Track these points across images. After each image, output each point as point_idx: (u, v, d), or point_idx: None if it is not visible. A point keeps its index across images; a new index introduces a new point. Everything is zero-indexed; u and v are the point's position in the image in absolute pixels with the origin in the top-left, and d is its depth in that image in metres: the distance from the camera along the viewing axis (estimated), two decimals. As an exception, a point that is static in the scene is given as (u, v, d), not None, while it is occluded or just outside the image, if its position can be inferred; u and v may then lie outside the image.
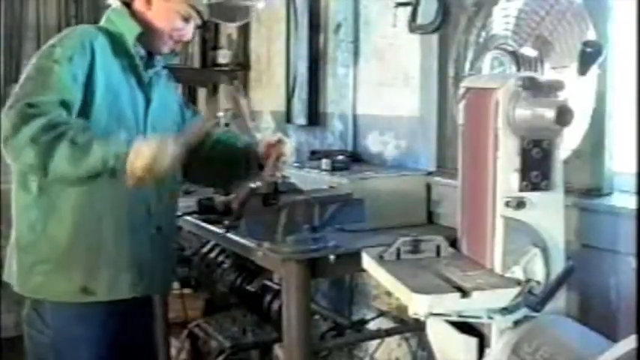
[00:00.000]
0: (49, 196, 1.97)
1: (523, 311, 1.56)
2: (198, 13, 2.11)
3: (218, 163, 2.27)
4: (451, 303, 1.52)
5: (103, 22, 2.12)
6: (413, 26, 2.71)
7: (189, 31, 2.14)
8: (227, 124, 2.13)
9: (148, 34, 2.09)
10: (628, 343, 1.26)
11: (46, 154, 1.78)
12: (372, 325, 2.87)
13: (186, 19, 2.11)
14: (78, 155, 1.79)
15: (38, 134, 1.77)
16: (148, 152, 1.80)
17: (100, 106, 1.96)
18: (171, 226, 2.25)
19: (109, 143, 1.82)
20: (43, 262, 2.00)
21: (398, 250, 1.77)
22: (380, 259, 1.76)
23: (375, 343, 2.92)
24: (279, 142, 2.17)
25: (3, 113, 1.83)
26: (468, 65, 2.34)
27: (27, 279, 2.03)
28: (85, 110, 1.94)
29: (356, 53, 3.15)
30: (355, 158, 3.00)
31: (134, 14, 2.10)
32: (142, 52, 2.10)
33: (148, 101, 2.11)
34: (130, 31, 2.06)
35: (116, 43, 2.05)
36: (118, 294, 2.04)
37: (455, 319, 1.59)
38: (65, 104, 1.87)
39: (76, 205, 1.98)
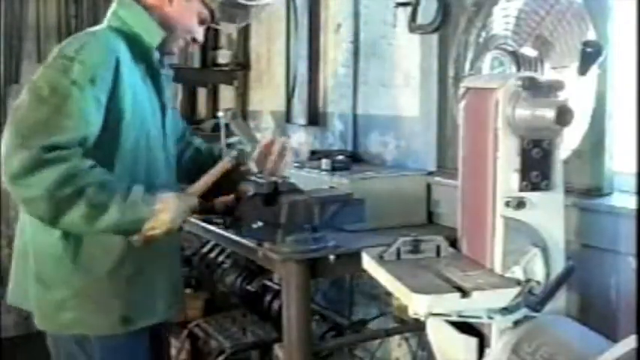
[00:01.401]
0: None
1: (523, 311, 1.56)
2: (213, 17, 2.04)
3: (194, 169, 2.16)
4: (451, 303, 1.51)
5: (111, 20, 1.93)
6: (413, 26, 2.71)
7: (202, 33, 2.06)
8: (227, 125, 2.12)
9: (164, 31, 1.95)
10: (628, 343, 1.26)
11: (60, 211, 1.67)
12: (372, 325, 2.87)
13: (203, 22, 2.03)
14: (93, 215, 1.69)
15: (54, 187, 1.64)
16: (168, 218, 1.76)
17: (128, 124, 1.83)
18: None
19: (126, 207, 1.71)
20: (77, 296, 1.85)
21: (398, 250, 1.76)
22: (380, 259, 1.76)
23: (375, 343, 2.92)
24: (276, 141, 2.12)
25: (10, 145, 1.65)
26: (468, 65, 2.35)
27: (56, 315, 1.87)
28: (112, 132, 1.80)
29: (356, 53, 3.15)
30: (355, 158, 3.00)
31: (147, 9, 1.93)
32: (158, 54, 1.96)
33: (163, 107, 1.99)
34: (152, 35, 1.91)
35: (135, 47, 1.88)
36: (155, 319, 1.96)
37: (455, 319, 1.59)
38: (85, 140, 1.72)
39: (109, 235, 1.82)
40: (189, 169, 2.19)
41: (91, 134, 1.74)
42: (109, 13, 1.96)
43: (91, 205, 1.67)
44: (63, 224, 1.70)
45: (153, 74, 1.96)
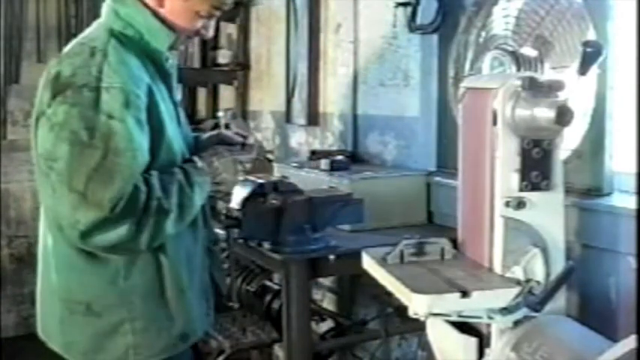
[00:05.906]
0: None
1: (523, 311, 1.56)
2: (222, 8, 1.84)
3: None
4: (451, 303, 1.52)
5: (112, 20, 1.74)
6: (413, 26, 2.71)
7: (211, 26, 1.88)
8: (227, 125, 2.12)
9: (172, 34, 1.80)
10: (628, 343, 1.26)
11: (149, 237, 1.61)
12: (372, 325, 2.87)
13: (209, 17, 1.84)
14: (179, 219, 1.67)
15: (137, 226, 1.58)
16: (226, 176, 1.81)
17: (169, 136, 1.73)
18: None
19: (195, 191, 1.70)
20: (133, 319, 1.72)
21: (401, 252, 1.75)
22: (381, 261, 1.76)
23: (375, 343, 2.92)
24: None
25: (69, 203, 1.56)
26: (468, 65, 2.35)
27: (107, 344, 1.72)
28: (160, 145, 1.69)
29: (356, 53, 3.15)
30: (355, 158, 3.01)
31: (148, 9, 1.75)
32: (167, 54, 1.80)
33: (175, 106, 1.85)
34: (160, 39, 1.76)
35: (142, 51, 1.74)
36: (203, 329, 1.88)
37: (455, 319, 1.59)
38: (142, 168, 1.62)
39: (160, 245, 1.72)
40: None
41: (146, 159, 1.64)
42: (106, 11, 1.77)
43: (175, 214, 1.64)
44: (155, 244, 1.65)
45: (162, 74, 1.82)
